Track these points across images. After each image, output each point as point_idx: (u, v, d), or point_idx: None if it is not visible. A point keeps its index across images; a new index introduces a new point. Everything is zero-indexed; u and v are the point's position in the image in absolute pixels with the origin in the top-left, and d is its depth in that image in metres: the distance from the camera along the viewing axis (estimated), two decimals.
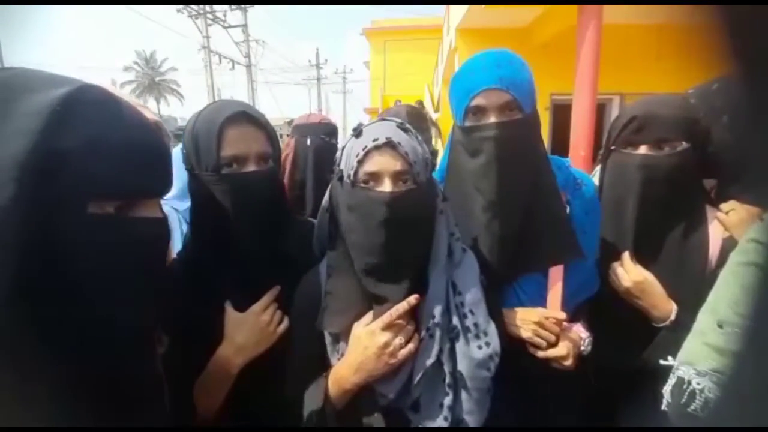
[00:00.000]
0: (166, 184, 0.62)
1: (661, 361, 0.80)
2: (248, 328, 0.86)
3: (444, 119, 8.95)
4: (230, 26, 19.76)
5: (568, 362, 0.92)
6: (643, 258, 1.00)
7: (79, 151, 0.48)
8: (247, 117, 0.87)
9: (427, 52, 13.58)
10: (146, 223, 0.57)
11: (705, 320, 0.74)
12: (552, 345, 0.92)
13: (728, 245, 0.95)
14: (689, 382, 0.70)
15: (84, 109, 0.50)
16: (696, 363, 0.71)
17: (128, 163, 0.53)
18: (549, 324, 0.91)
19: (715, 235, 0.98)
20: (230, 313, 0.87)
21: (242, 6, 19.69)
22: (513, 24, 6.31)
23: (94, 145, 0.50)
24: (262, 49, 21.78)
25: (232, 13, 19.75)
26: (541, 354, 0.92)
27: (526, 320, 0.92)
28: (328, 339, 0.84)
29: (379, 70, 16.72)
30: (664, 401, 0.75)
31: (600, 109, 5.84)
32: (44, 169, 0.45)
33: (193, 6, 17.65)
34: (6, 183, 0.43)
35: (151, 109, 0.78)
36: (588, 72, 5.10)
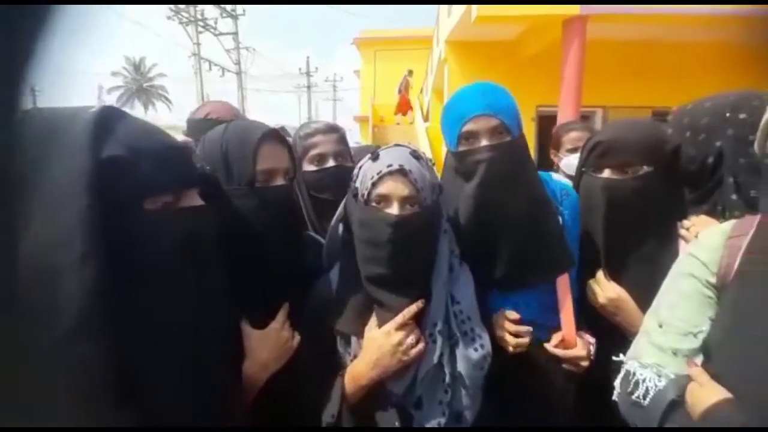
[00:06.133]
0: (197, 176, 0.71)
1: (614, 357, 0.87)
2: (271, 345, 0.88)
3: (433, 129, 9.08)
4: (221, 33, 19.76)
5: (585, 363, 0.98)
6: (616, 275, 1.04)
7: (125, 156, 0.56)
8: (276, 135, 0.94)
9: (417, 62, 13.77)
10: (195, 211, 0.66)
11: (649, 321, 0.85)
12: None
13: None
14: (634, 374, 0.79)
15: (114, 123, 0.59)
16: (640, 357, 0.81)
17: (168, 161, 0.62)
18: (510, 326, 0.97)
19: (686, 250, 1.03)
20: (249, 331, 0.88)
21: (233, 13, 19.73)
22: (500, 37, 6.46)
23: (135, 150, 0.58)
24: (253, 56, 21.80)
25: (222, 21, 19.77)
26: (560, 353, 0.98)
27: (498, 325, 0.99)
28: (339, 342, 0.92)
29: (370, 79, 16.86)
30: (615, 392, 0.83)
31: (584, 121, 5.99)
32: (103, 176, 0.53)
33: (183, 13, 17.62)
34: (79, 193, 0.50)
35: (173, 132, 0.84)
36: (572, 85, 5.26)
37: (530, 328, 0.98)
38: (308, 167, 1.24)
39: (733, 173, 0.99)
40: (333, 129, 1.27)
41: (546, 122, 6.15)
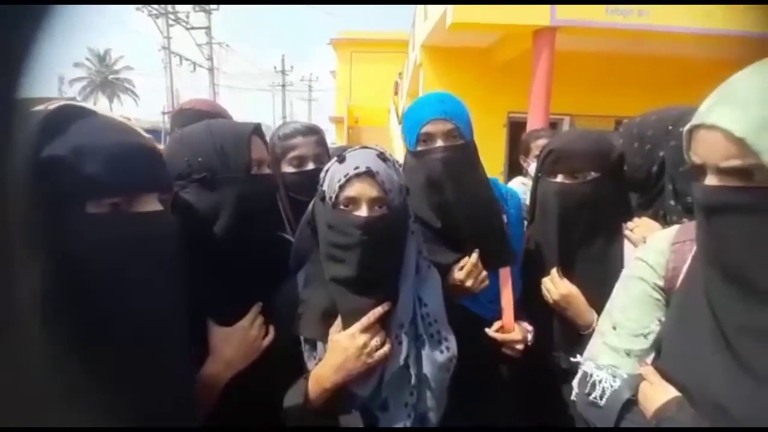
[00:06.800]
0: (159, 180, 0.67)
1: (571, 358, 0.91)
2: (236, 343, 0.86)
3: None
4: (193, 28, 19.23)
5: (521, 347, 1.09)
6: (568, 272, 1.13)
7: (69, 157, 0.55)
8: (260, 130, 0.99)
9: (393, 64, 13.86)
10: (146, 216, 0.63)
11: (603, 323, 0.89)
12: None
13: None
14: (591, 375, 0.81)
15: (67, 122, 0.57)
16: (596, 359, 0.84)
17: (116, 163, 0.58)
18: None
19: (631, 249, 1.12)
20: (215, 329, 0.86)
21: (206, 8, 19.25)
22: (474, 44, 6.61)
23: (81, 151, 0.56)
24: (226, 52, 21.36)
25: (195, 15, 19.24)
26: (499, 336, 1.08)
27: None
28: (305, 346, 0.90)
29: (346, 80, 16.85)
30: (574, 392, 0.86)
31: (552, 128, 6.22)
32: (42, 177, 0.52)
33: (154, 6, 17.07)
34: (19, 194, 0.49)
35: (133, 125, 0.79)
36: (541, 93, 5.47)
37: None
38: (287, 169, 1.24)
39: (672, 181, 1.08)
40: (312, 131, 1.29)
41: (516, 128, 6.35)
